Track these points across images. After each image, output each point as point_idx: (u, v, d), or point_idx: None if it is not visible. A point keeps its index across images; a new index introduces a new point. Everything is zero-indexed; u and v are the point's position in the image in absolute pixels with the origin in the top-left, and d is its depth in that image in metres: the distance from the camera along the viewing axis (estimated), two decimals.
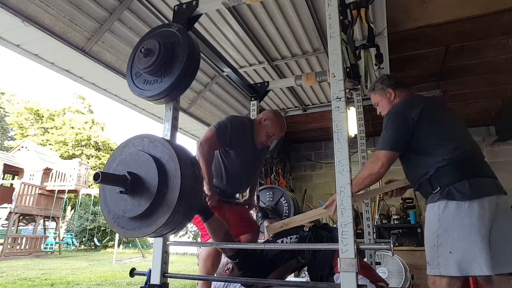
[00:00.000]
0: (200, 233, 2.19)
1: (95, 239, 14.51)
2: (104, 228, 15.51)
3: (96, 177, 1.11)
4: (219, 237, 1.67)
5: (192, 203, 1.26)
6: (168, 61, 1.51)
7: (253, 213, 2.68)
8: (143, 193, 1.20)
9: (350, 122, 3.46)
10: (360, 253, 1.71)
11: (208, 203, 1.88)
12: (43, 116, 22.46)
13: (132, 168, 1.24)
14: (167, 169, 1.21)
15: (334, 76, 1.27)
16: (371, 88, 1.98)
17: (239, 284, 1.95)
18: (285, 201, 2.71)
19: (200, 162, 1.94)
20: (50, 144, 21.61)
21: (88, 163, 17.78)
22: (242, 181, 2.28)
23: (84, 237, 15.01)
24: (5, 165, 12.98)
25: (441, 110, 1.73)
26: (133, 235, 1.25)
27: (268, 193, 2.81)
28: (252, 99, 2.89)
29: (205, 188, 1.91)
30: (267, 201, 2.77)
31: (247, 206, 2.44)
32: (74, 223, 15.56)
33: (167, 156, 1.23)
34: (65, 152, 21.57)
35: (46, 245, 11.97)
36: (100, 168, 22.64)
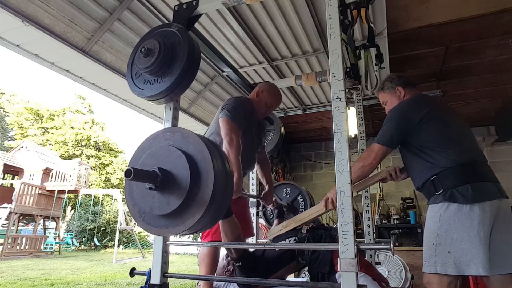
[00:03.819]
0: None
1: (95, 239, 14.52)
2: (104, 228, 15.52)
3: (128, 173, 1.06)
4: (229, 239, 1.67)
5: (222, 206, 1.20)
6: (168, 61, 1.51)
7: (270, 208, 2.63)
8: (173, 192, 1.14)
9: (350, 122, 3.46)
10: (360, 253, 1.71)
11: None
12: (43, 116, 22.46)
13: (162, 164, 1.17)
14: (200, 169, 1.14)
15: (334, 76, 1.27)
16: (380, 87, 1.97)
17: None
18: (302, 199, 2.69)
19: (230, 156, 1.87)
20: (50, 144, 21.60)
21: (88, 163, 17.79)
22: (252, 158, 2.27)
23: (84, 237, 15.02)
24: (5, 165, 12.98)
25: (447, 112, 1.74)
26: (158, 233, 1.19)
27: (285, 189, 2.80)
28: None
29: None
30: (284, 197, 2.76)
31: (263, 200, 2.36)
32: (74, 223, 15.56)
33: (201, 156, 1.15)
34: (65, 152, 21.57)
35: (46, 245, 11.97)
36: (100, 168, 22.66)
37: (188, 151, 1.17)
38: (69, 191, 13.25)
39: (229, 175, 1.22)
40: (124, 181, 1.23)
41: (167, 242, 1.47)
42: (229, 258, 2.07)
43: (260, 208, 2.79)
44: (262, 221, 3.00)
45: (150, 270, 1.44)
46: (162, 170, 1.16)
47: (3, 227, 11.89)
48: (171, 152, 1.18)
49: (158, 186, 1.15)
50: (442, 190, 1.53)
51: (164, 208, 1.14)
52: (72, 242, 13.63)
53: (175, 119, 1.62)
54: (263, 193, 2.38)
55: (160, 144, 1.24)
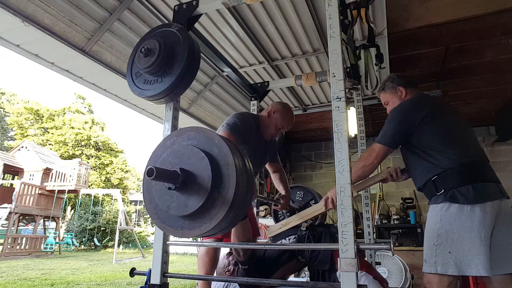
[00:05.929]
0: None
1: (95, 239, 14.50)
2: (104, 228, 15.51)
3: (150, 173, 1.04)
4: (241, 241, 1.67)
5: (241, 212, 1.18)
6: (168, 61, 1.52)
7: (283, 212, 2.65)
8: (192, 194, 1.11)
9: (350, 122, 3.45)
10: (360, 253, 1.71)
11: None
12: (43, 116, 22.44)
13: (184, 164, 1.14)
14: (223, 174, 1.11)
15: (334, 76, 1.27)
16: (381, 88, 1.97)
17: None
18: (314, 203, 2.66)
19: None
20: (50, 144, 21.58)
21: (88, 163, 17.79)
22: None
23: (84, 237, 15.00)
24: (5, 165, 12.97)
25: (449, 112, 1.73)
26: (173, 233, 1.18)
27: (298, 192, 2.78)
28: (252, 99, 2.89)
29: None
30: (296, 200, 2.75)
31: (281, 201, 2.37)
32: (74, 223, 15.54)
33: (224, 161, 1.11)
34: (65, 152, 21.55)
35: (46, 245, 11.95)
36: (100, 168, 22.64)
37: (212, 153, 1.13)
38: (69, 191, 13.23)
39: (250, 181, 1.18)
40: (143, 176, 1.20)
41: (167, 242, 1.47)
42: (230, 258, 2.07)
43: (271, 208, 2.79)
44: (262, 220, 2.99)
45: (150, 270, 1.44)
46: (184, 171, 1.13)
47: (3, 227, 11.88)
48: (195, 154, 1.14)
49: (178, 187, 1.13)
50: (443, 190, 1.53)
51: (182, 210, 1.12)
52: (72, 242, 13.61)
53: (175, 119, 1.62)
54: (279, 195, 2.39)
55: (183, 143, 1.21)
